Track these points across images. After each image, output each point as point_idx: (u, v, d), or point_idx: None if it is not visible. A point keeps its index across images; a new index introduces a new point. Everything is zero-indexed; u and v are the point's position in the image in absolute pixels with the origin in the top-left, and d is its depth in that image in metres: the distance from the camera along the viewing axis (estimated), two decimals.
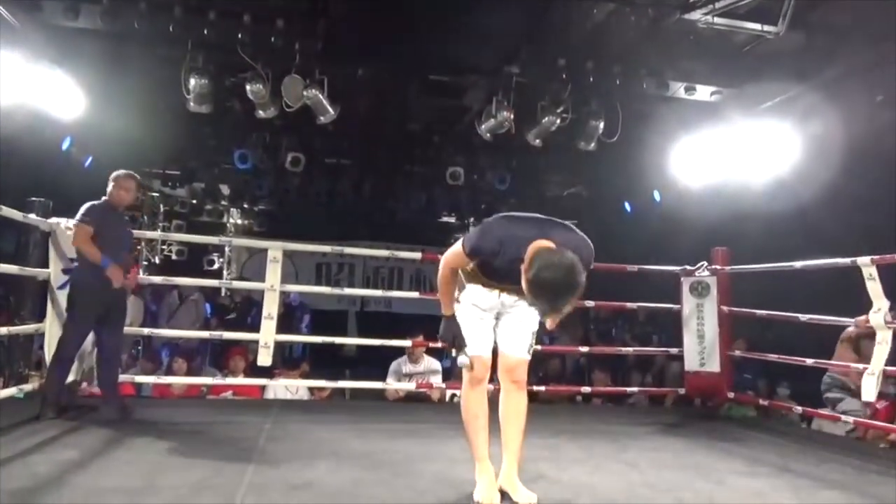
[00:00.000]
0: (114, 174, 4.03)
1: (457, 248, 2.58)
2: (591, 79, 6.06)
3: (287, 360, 6.95)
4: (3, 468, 2.73)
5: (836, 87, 5.48)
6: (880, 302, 3.77)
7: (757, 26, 5.08)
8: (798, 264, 4.41)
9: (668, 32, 5.39)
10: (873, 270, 3.77)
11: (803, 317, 4.35)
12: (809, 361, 4.51)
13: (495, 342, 2.70)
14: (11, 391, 3.93)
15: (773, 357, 4.89)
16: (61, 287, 4.17)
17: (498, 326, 2.71)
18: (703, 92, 6.09)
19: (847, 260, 3.96)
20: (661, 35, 5.48)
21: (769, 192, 6.28)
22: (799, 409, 4.67)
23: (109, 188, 3.99)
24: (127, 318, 4.21)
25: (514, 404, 2.68)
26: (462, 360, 2.63)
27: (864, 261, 3.81)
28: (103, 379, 3.99)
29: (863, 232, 5.63)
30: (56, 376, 3.83)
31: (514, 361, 2.67)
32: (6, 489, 2.43)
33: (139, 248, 4.46)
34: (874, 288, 3.77)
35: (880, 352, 3.78)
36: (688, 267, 5.25)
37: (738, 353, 5.18)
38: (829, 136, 5.79)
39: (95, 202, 3.96)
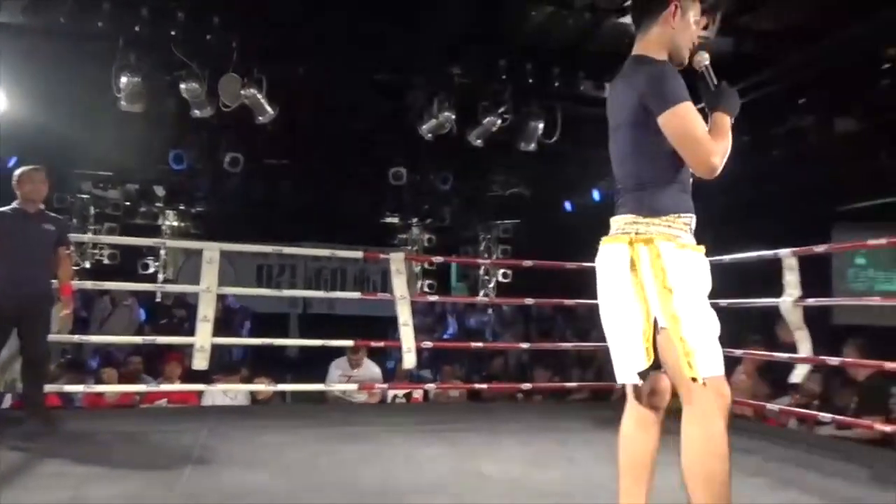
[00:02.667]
0: (14, 173, 3.88)
1: (682, 112, 1.83)
2: (531, 80, 6.15)
3: (226, 364, 6.79)
4: None
5: (761, 90, 5.72)
6: (793, 290, 4.00)
7: None
8: (727, 258, 4.59)
9: (605, 36, 5.53)
10: (793, 262, 4.00)
11: (723, 302, 4.55)
12: (738, 352, 4.69)
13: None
14: None
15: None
16: None
17: None
18: None
19: (770, 252, 4.18)
20: (597, 38, 5.61)
21: (700, 190, 6.50)
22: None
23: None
24: (53, 327, 4.02)
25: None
26: None
27: (784, 253, 4.04)
28: (26, 389, 3.81)
29: (787, 226, 5.91)
30: None
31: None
32: None
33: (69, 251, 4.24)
34: (791, 278, 4.01)
35: (802, 336, 4.00)
36: None
37: None
38: (757, 138, 6.06)
39: (1, 208, 3.80)
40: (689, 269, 1.84)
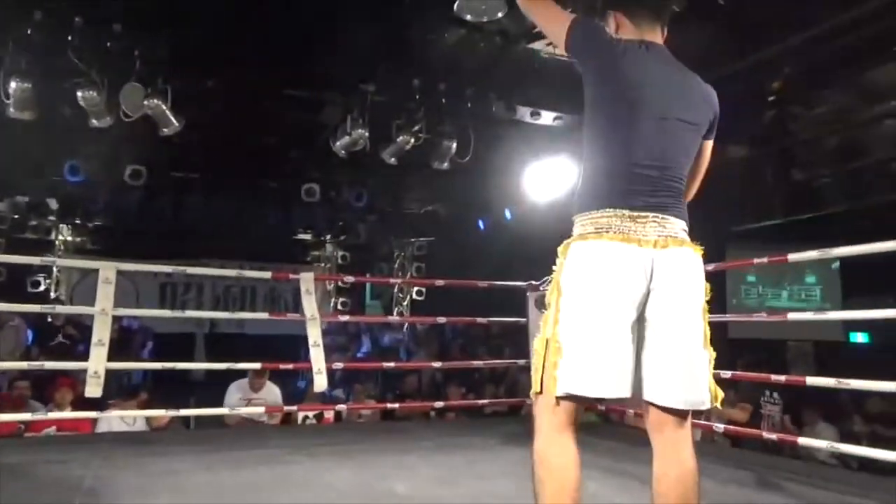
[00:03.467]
0: None
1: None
2: (444, 100, 6.24)
3: (125, 388, 6.42)
4: None
5: None
6: None
7: None
8: None
9: (515, 60, 5.69)
10: None
11: None
12: None
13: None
14: None
15: None
16: None
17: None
18: (548, 117, 6.47)
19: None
20: (508, 62, 5.76)
21: None
22: (631, 412, 5.03)
23: None
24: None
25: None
26: None
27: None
28: None
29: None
30: None
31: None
32: None
33: None
34: None
35: None
36: (533, 282, 5.51)
37: None
38: None
39: None
40: None
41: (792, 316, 4.60)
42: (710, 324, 1.83)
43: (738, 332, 7.59)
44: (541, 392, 1.74)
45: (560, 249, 1.81)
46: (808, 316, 5.41)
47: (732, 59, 5.33)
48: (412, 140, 6.45)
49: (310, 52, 5.54)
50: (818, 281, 9.05)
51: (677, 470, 1.76)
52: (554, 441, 1.74)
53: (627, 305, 1.70)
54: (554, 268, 1.82)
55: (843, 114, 5.94)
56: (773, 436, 4.04)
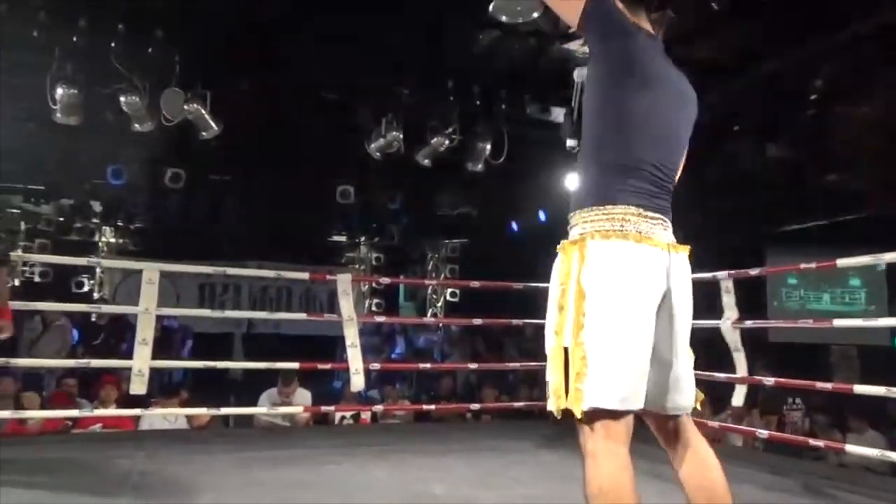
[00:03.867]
0: None
1: None
2: (478, 102, 6.24)
3: (166, 387, 6.56)
4: None
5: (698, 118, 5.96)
6: (730, 312, 4.14)
7: None
8: None
9: (549, 60, 5.66)
10: (730, 284, 4.15)
11: None
12: None
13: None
14: None
15: None
16: None
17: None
18: None
19: (708, 275, 4.31)
20: (542, 62, 5.74)
21: None
22: None
23: None
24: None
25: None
26: None
27: (722, 275, 4.18)
28: None
29: (722, 250, 6.13)
30: None
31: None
32: None
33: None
34: (728, 300, 4.14)
35: (739, 357, 4.14)
36: None
37: None
38: (692, 164, 6.27)
39: None
40: None
41: (838, 323, 4.50)
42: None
43: (778, 337, 7.44)
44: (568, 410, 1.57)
45: (568, 246, 1.63)
46: (856, 322, 5.27)
47: (774, 58, 5.23)
48: (446, 142, 6.47)
49: (344, 55, 5.59)
50: (863, 284, 8.81)
51: (708, 469, 1.71)
52: (619, 475, 1.55)
53: (651, 312, 1.61)
54: (561, 267, 1.63)
55: (887, 112, 5.78)
56: (821, 443, 3.94)
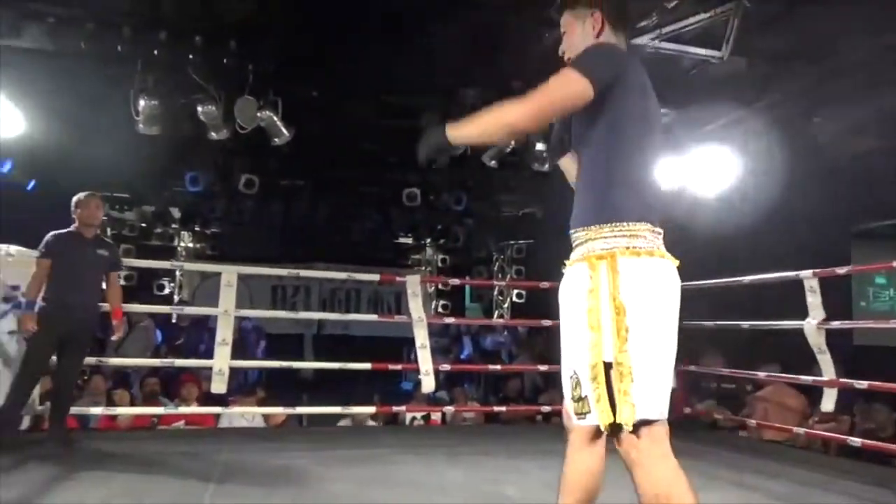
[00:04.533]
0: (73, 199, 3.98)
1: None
2: None
3: (242, 386, 6.77)
4: None
5: (776, 110, 5.71)
6: (816, 312, 3.94)
7: (701, 51, 5.26)
8: (746, 279, 4.54)
9: None
10: (815, 283, 3.94)
11: (745, 324, 4.51)
12: (762, 374, 4.63)
13: None
14: None
15: (725, 371, 5.00)
16: (2, 316, 3.99)
17: None
18: None
19: (791, 273, 4.11)
20: None
21: (715, 210, 6.48)
22: (753, 422, 4.76)
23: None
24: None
25: None
26: None
27: (806, 274, 3.98)
28: (52, 409, 3.85)
29: (804, 247, 5.86)
30: (15, 395, 3.70)
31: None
32: None
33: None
34: (813, 300, 3.94)
35: (825, 360, 3.93)
36: None
37: (692, 368, 5.27)
38: (771, 157, 6.03)
39: (58, 231, 3.90)
40: None
41: None
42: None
43: (864, 340, 7.02)
44: (614, 422, 1.60)
45: (594, 260, 1.65)
46: None
47: (854, 46, 4.96)
48: (512, 142, 6.43)
49: (408, 59, 5.64)
50: None
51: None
52: (674, 474, 1.59)
53: (676, 324, 1.67)
54: (585, 283, 1.66)
55: None
56: None
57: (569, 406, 1.70)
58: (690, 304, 5.17)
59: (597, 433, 1.69)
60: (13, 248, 4.17)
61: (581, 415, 1.64)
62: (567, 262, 1.79)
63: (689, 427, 5.04)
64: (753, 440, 4.77)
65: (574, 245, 1.76)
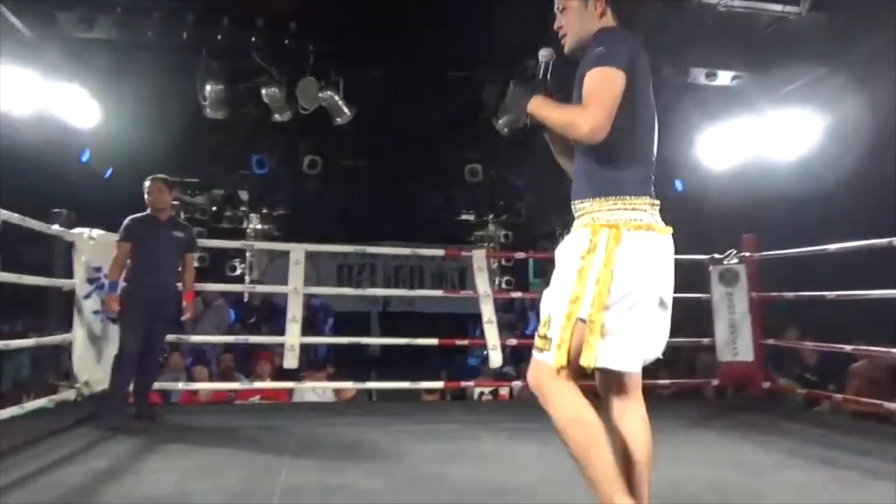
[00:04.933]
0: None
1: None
2: None
3: (312, 362, 6.93)
4: (36, 479, 2.72)
5: (860, 67, 5.34)
6: None
7: (778, 7, 4.96)
8: (832, 247, 4.29)
9: (687, 18, 5.30)
10: None
11: (829, 294, 4.27)
12: (848, 348, 4.39)
13: None
14: (42, 402, 3.94)
15: (809, 345, 4.77)
16: (87, 297, 4.18)
17: None
18: (725, 77, 5.95)
19: (884, 241, 3.86)
20: (679, 21, 5.38)
21: (794, 176, 6.15)
22: (839, 396, 4.53)
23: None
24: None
25: None
26: None
27: None
28: (137, 385, 4.01)
29: (889, 213, 5.50)
30: (115, 384, 3.87)
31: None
32: (41, 500, 2.42)
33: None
34: None
35: None
36: (716, 255, 5.15)
37: (771, 341, 5.06)
38: (855, 118, 5.65)
39: (135, 215, 4.04)
40: None
41: None
42: None
43: None
44: (566, 365, 1.77)
45: (599, 228, 1.79)
46: None
47: None
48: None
49: (469, 32, 5.54)
50: None
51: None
52: (582, 401, 1.82)
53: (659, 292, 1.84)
54: (583, 245, 1.79)
55: None
56: None
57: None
58: (768, 274, 4.95)
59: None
60: (95, 232, 4.36)
61: (539, 350, 1.82)
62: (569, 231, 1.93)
63: (772, 403, 4.86)
64: (842, 415, 4.55)
65: (577, 216, 1.90)
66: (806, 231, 5.18)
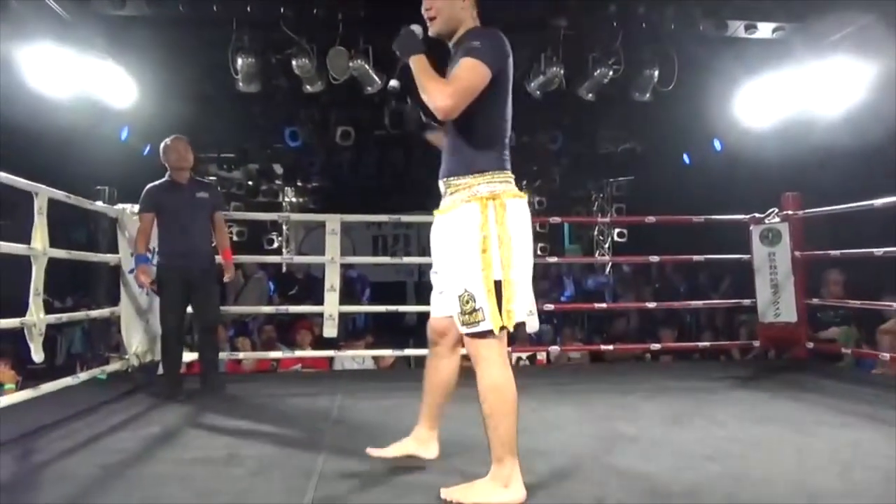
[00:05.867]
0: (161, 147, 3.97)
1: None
2: (644, 25, 5.79)
3: (351, 332, 7.04)
4: (93, 444, 2.84)
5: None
6: None
7: None
8: (879, 202, 4.14)
9: None
10: None
11: (878, 251, 4.13)
12: None
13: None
14: (94, 373, 4.09)
15: (855, 303, 4.65)
16: (132, 271, 4.29)
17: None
18: (765, 29, 5.73)
19: None
20: None
21: (839, 130, 5.92)
22: (886, 356, 4.42)
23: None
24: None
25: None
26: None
27: None
28: (200, 359, 4.02)
29: None
30: (165, 357, 3.91)
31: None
32: (98, 463, 2.53)
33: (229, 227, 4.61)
34: None
35: None
36: (756, 214, 5.03)
37: (815, 301, 4.94)
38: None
39: (153, 183, 3.94)
40: None
41: None
42: None
43: None
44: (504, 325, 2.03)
45: (486, 201, 2.05)
46: None
47: None
48: (610, 72, 6.12)
49: None
50: None
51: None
52: (509, 374, 2.08)
53: None
54: (476, 218, 2.04)
55: None
56: None
57: (456, 319, 2.11)
58: (813, 231, 4.79)
59: (461, 341, 2.23)
60: (136, 207, 4.45)
61: (473, 324, 2.05)
62: (441, 208, 2.19)
63: (815, 363, 4.77)
64: (888, 375, 4.44)
65: (450, 191, 2.14)
66: (851, 188, 5.01)
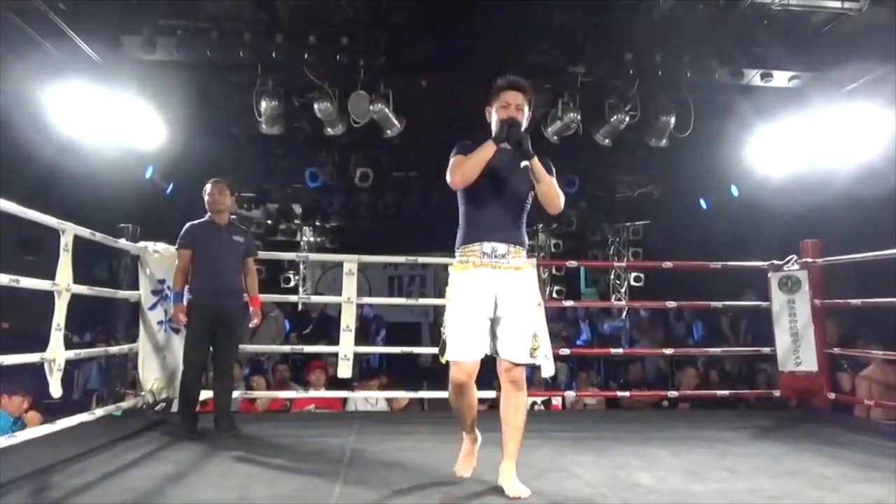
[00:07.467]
0: None
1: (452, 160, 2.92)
2: (660, 72, 5.87)
3: (365, 372, 7.01)
4: (105, 482, 2.83)
5: None
6: None
7: (837, 4, 4.81)
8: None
9: (740, 18, 5.20)
10: None
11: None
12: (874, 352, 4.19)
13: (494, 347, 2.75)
14: (110, 409, 4.10)
15: (877, 353, 4.57)
16: (152, 308, 4.33)
17: (497, 328, 2.75)
18: (781, 78, 5.79)
19: None
20: (732, 21, 5.28)
21: (857, 179, 5.92)
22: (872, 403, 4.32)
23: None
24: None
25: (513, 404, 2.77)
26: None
27: None
28: (215, 399, 4.01)
29: None
30: (183, 394, 3.93)
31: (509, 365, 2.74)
32: (111, 501, 2.52)
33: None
34: None
35: None
36: (776, 262, 5.00)
37: (837, 350, 4.87)
38: None
39: (194, 221, 4.04)
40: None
41: None
42: None
43: None
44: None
45: (535, 269, 3.01)
46: None
47: None
48: (626, 118, 6.19)
49: (516, 41, 5.55)
50: None
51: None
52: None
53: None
54: (533, 278, 3.01)
55: None
56: None
57: (517, 353, 2.68)
58: (831, 281, 4.74)
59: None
60: (160, 246, 4.53)
61: (533, 357, 2.72)
62: (515, 265, 2.74)
63: (837, 414, 4.67)
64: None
65: (514, 255, 2.75)
66: (870, 236, 4.98)
